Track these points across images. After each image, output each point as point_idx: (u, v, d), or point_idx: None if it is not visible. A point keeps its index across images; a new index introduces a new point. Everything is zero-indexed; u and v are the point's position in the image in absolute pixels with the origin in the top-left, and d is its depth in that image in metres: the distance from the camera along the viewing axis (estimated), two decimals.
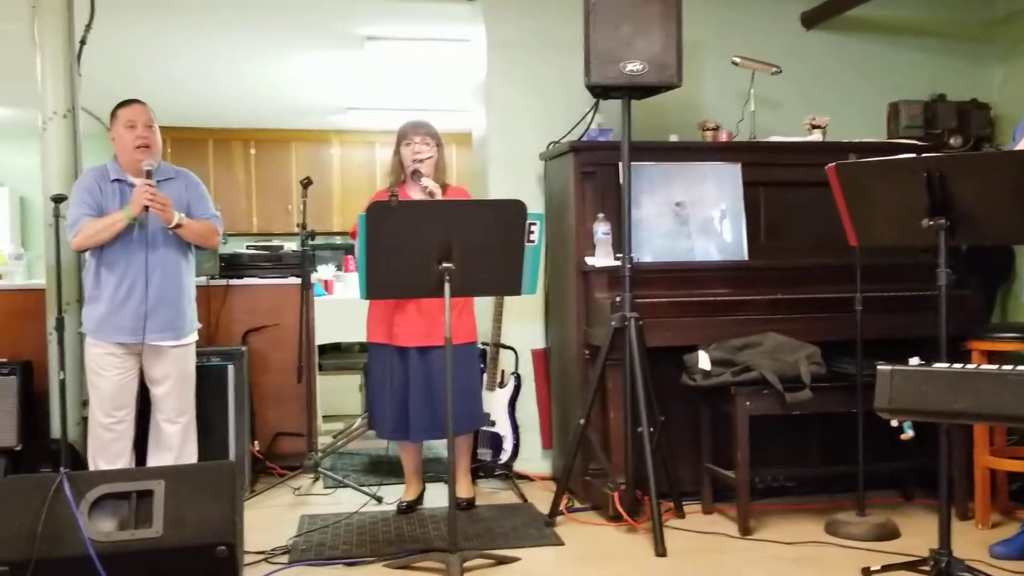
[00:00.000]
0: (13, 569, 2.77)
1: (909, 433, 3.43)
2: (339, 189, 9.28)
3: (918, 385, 2.43)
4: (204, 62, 6.51)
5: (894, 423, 3.20)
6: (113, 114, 3.74)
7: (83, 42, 4.38)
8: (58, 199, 3.48)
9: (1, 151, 8.90)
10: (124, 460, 3.72)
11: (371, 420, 3.98)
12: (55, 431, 4.17)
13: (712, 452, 3.83)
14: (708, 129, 4.35)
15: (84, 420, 4.03)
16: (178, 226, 3.60)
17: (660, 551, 3.33)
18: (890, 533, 3.49)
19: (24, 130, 8.70)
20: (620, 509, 3.58)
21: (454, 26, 5.35)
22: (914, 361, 2.57)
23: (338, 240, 9.16)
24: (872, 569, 3.05)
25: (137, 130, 3.65)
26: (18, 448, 4.09)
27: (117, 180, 3.69)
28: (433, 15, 5.28)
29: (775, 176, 4.23)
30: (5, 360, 4.19)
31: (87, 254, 3.74)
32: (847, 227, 3.16)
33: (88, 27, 4.39)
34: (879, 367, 2.48)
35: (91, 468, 3.72)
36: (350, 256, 7.39)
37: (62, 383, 3.41)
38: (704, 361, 3.62)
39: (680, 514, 3.81)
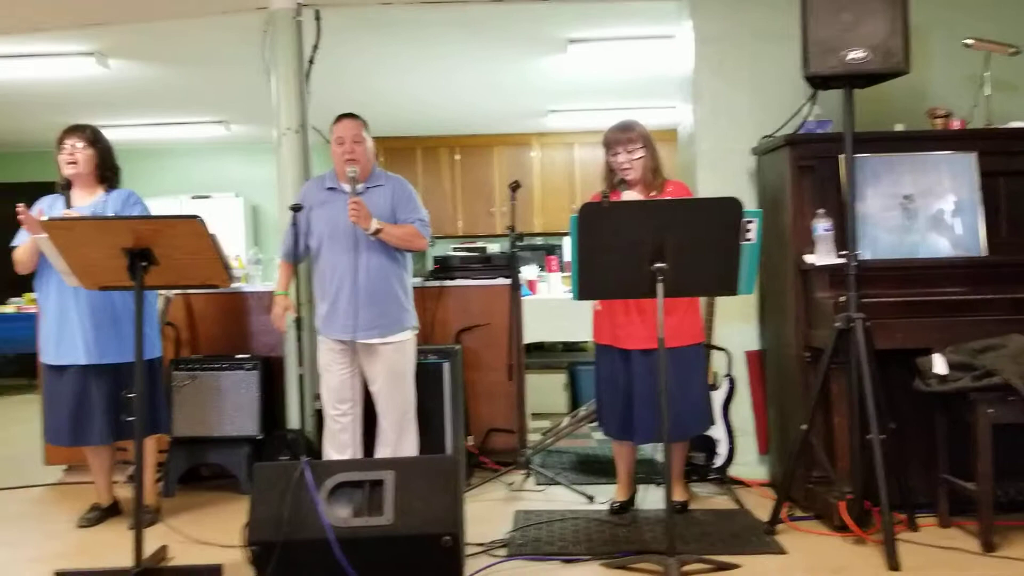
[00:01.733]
0: (263, 549, 3.00)
1: None
2: (539, 190, 9.43)
3: None
4: (414, 74, 6.80)
5: None
6: (330, 129, 3.99)
7: (311, 61, 4.69)
8: (296, 208, 3.74)
9: (237, 164, 9.72)
10: (351, 451, 3.95)
11: (599, 419, 3.96)
12: (291, 422, 4.49)
13: (949, 462, 3.57)
14: (938, 116, 4.08)
15: (317, 413, 4.31)
16: (377, 231, 3.77)
17: (893, 564, 3.15)
18: None
19: (255, 144, 9.47)
20: (847, 519, 3.42)
21: (659, 23, 5.30)
22: None
23: (539, 241, 9.30)
24: None
25: (345, 145, 3.88)
26: (260, 438, 4.44)
27: (330, 188, 3.94)
28: (638, 14, 5.25)
29: (1017, 165, 3.91)
30: (248, 356, 4.55)
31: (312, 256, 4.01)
32: None
33: (315, 47, 4.70)
34: None
35: (324, 457, 3.98)
36: (552, 256, 7.48)
37: (300, 378, 3.63)
38: (940, 365, 3.39)
39: (913, 527, 3.58)
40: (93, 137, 3.90)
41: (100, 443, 3.86)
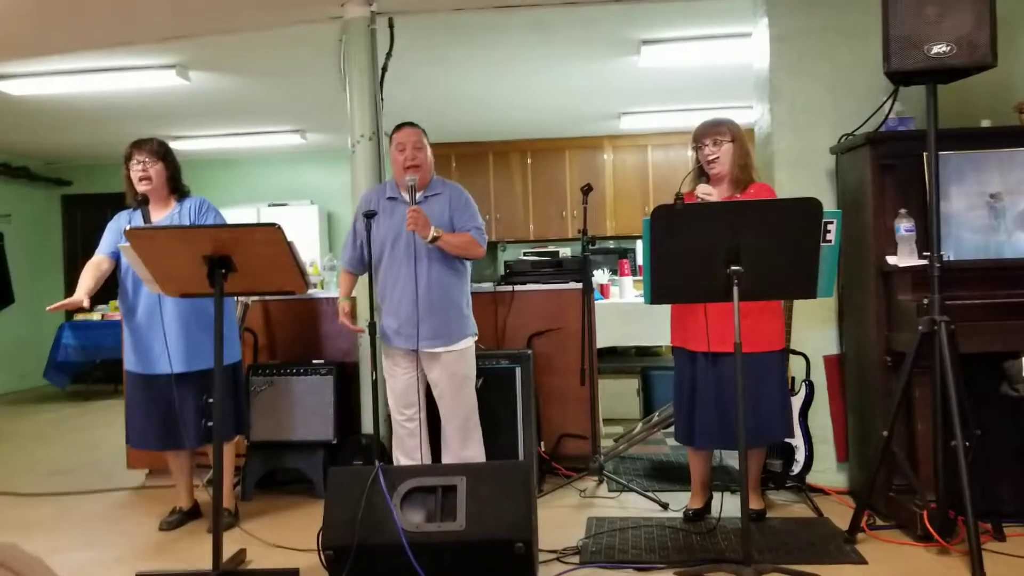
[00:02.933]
0: (337, 554, 3.04)
1: None
2: (611, 194, 9.38)
3: None
4: (485, 79, 6.83)
5: None
6: (390, 137, 4.02)
7: (384, 69, 4.75)
8: (369, 215, 3.77)
9: (312, 172, 9.92)
10: (418, 455, 3.97)
11: (675, 423, 3.89)
12: (365, 427, 4.54)
13: None
14: None
15: (390, 418, 4.34)
16: (435, 239, 3.77)
17: (978, 575, 3.04)
18: None
19: (331, 152, 9.66)
20: (930, 528, 3.31)
21: (734, 22, 5.23)
22: None
23: (612, 244, 9.26)
24: None
25: (406, 152, 3.89)
26: (334, 442, 4.50)
27: (391, 198, 3.96)
28: (712, 12, 5.18)
29: None
30: (323, 361, 4.62)
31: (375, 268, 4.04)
32: None
33: (388, 55, 4.75)
34: None
35: (394, 462, 4.01)
36: (625, 260, 7.44)
37: (374, 383, 3.66)
38: None
39: (1000, 537, 3.45)
40: (162, 150, 3.94)
41: (189, 447, 3.97)
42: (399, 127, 3.98)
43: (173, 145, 4.12)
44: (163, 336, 3.81)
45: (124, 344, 4.05)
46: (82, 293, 3.78)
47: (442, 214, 3.90)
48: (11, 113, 7.18)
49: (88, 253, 3.99)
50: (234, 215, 4.15)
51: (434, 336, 3.86)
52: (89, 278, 3.88)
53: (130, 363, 3.98)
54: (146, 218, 3.91)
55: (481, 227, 3.97)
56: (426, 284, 3.83)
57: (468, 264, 4.03)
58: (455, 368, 3.91)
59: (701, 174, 3.76)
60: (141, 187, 3.90)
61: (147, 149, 3.91)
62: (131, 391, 4.01)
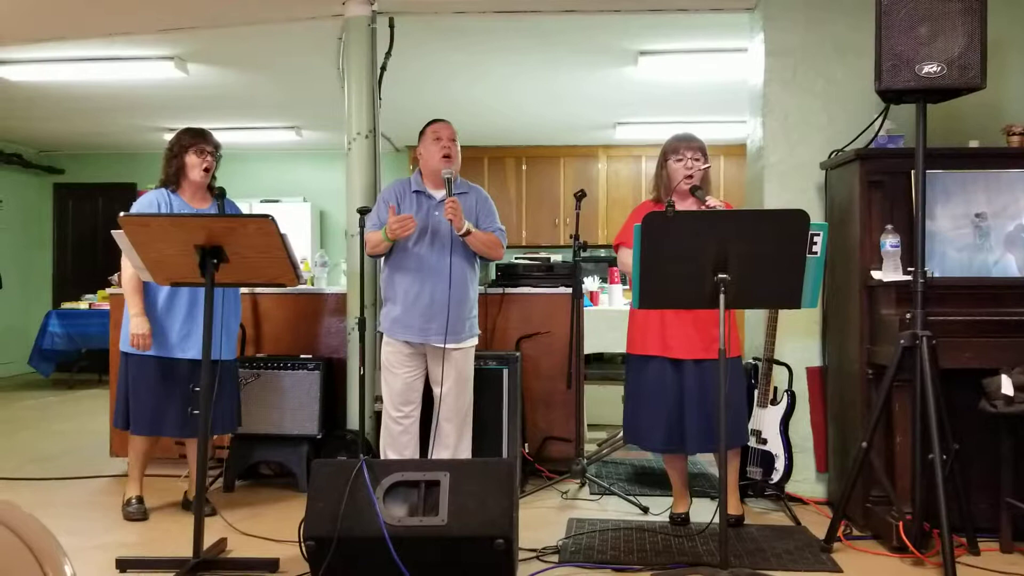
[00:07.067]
0: (319, 544, 3.05)
1: None
2: (604, 202, 9.44)
3: None
4: (484, 83, 6.87)
5: None
6: (422, 132, 4.05)
7: (383, 68, 4.78)
8: (363, 211, 3.80)
9: (306, 170, 9.93)
10: (410, 452, 4.00)
11: (632, 433, 3.86)
12: (351, 423, 4.56)
13: (1014, 485, 3.49)
14: (1014, 134, 3.98)
15: (376, 414, 4.37)
16: (467, 233, 3.83)
17: None
18: None
19: (325, 151, 9.69)
20: (906, 540, 3.35)
21: (731, 36, 5.29)
22: None
23: (603, 252, 9.30)
24: None
25: (442, 142, 3.95)
26: (319, 437, 4.51)
27: (417, 191, 4.00)
28: (710, 26, 5.24)
29: None
30: (311, 356, 4.64)
31: (382, 260, 4.08)
32: None
33: (387, 54, 4.79)
34: None
35: (382, 458, 4.03)
36: (615, 268, 7.47)
37: (361, 378, 3.68)
38: (1007, 386, 3.30)
39: (974, 551, 3.49)
40: (219, 148, 4.04)
41: (172, 435, 4.02)
42: (435, 120, 4.04)
43: (167, 137, 4.14)
44: (218, 325, 3.74)
45: (157, 330, 3.89)
46: (145, 322, 3.81)
47: (469, 212, 3.95)
48: (7, 99, 7.18)
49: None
50: None
51: (451, 332, 3.89)
52: (138, 296, 3.85)
53: (161, 348, 3.89)
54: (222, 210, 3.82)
55: (504, 230, 4.08)
56: (450, 279, 3.88)
57: (479, 266, 4.10)
58: (462, 367, 3.97)
59: (679, 189, 3.80)
60: (200, 176, 3.95)
61: (212, 143, 4.00)
62: (140, 375, 3.91)
